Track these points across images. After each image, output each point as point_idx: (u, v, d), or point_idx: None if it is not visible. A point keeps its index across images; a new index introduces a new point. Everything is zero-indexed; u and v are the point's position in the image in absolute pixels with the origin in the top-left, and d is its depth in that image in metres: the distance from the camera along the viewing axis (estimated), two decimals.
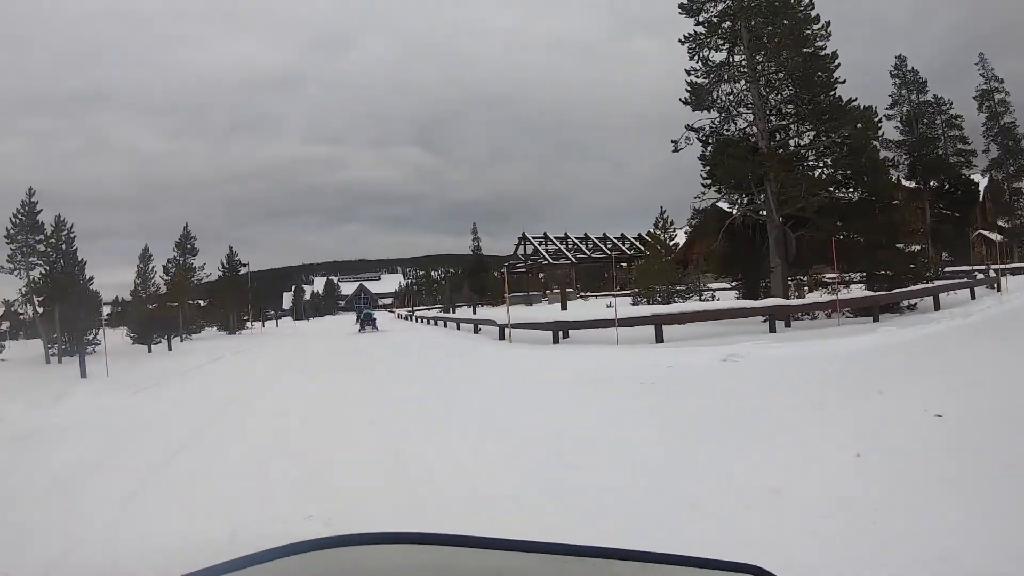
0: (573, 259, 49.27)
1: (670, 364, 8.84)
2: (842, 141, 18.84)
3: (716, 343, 10.92)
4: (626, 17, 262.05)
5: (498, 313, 20.58)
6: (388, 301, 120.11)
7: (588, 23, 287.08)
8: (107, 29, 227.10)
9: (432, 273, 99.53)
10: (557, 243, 50.61)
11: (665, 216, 27.36)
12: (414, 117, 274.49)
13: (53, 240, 22.90)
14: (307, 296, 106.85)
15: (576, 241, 51.54)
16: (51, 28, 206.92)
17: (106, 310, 29.33)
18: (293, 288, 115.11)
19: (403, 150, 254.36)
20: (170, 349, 23.27)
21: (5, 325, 34.93)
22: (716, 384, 7.33)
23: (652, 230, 28.02)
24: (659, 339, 12.98)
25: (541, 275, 51.29)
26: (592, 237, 52.32)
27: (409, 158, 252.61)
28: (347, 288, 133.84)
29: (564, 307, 27.69)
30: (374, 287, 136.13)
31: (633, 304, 21.68)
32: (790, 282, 19.14)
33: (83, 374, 13.64)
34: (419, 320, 37.97)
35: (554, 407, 6.85)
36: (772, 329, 14.42)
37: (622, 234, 52.41)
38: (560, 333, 14.25)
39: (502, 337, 16.23)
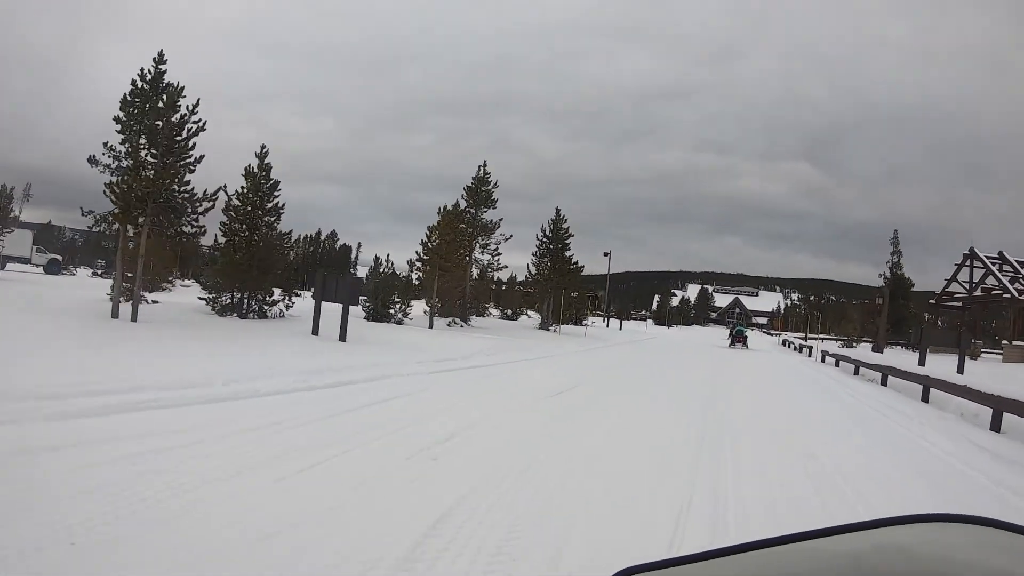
0: None
1: None
2: None
3: None
4: None
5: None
6: (763, 320, 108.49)
7: (989, 26, 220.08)
8: (515, 43, 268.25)
9: (823, 297, 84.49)
10: (1020, 268, 33.32)
11: None
12: (802, 131, 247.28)
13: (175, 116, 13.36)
14: (676, 302, 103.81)
15: None
16: (465, 43, 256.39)
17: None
18: (668, 292, 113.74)
19: (790, 164, 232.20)
20: (343, 338, 13.35)
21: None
22: None
23: None
24: None
25: (993, 320, 35.60)
26: None
27: (796, 173, 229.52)
28: (721, 300, 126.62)
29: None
30: (749, 303, 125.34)
31: None
32: None
33: None
34: (825, 358, 23.84)
35: None
36: None
37: None
38: None
39: None
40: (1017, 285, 31.80)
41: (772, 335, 71.67)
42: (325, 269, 29.74)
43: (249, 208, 17.21)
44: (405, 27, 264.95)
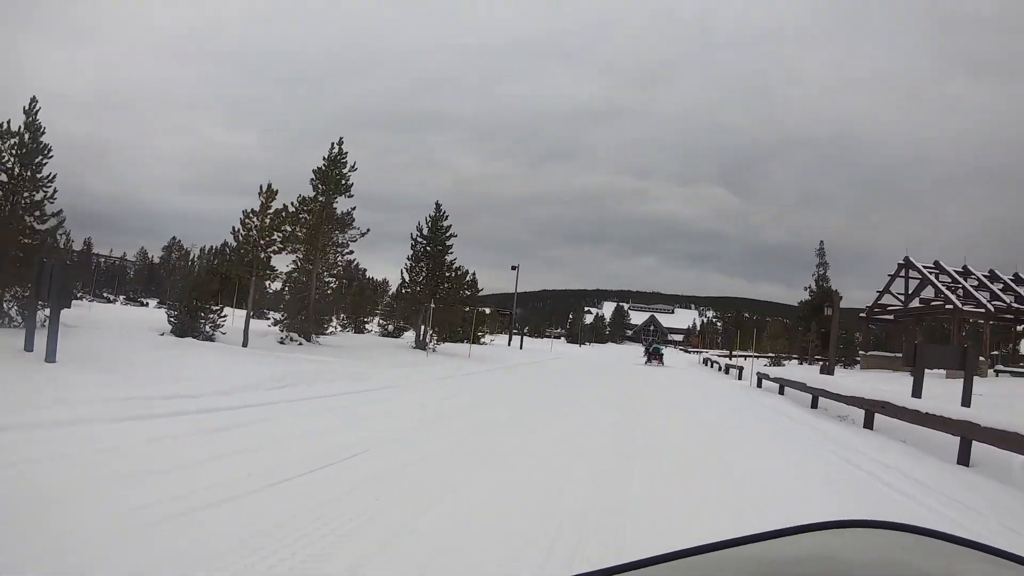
0: (990, 307, 28.67)
1: None
2: None
3: None
4: (949, 57, 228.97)
5: None
6: (678, 337, 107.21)
7: (908, 62, 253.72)
8: (447, 61, 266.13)
9: (740, 314, 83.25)
10: (958, 278, 29.86)
11: None
12: (721, 156, 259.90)
13: None
14: (591, 319, 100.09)
15: (983, 279, 30.17)
16: (396, 58, 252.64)
17: None
18: (581, 309, 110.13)
19: (708, 188, 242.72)
20: (50, 357, 8.37)
21: None
22: None
23: None
24: None
25: (914, 326, 32.08)
26: (1004, 277, 30.21)
27: (713, 196, 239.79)
28: (637, 318, 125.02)
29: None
30: (665, 320, 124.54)
31: None
32: None
33: None
34: (762, 383, 18.09)
35: None
36: None
37: None
38: None
39: None
40: (956, 295, 28.45)
41: (689, 352, 68.50)
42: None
43: (4, 178, 12.06)
44: (335, 43, 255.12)
